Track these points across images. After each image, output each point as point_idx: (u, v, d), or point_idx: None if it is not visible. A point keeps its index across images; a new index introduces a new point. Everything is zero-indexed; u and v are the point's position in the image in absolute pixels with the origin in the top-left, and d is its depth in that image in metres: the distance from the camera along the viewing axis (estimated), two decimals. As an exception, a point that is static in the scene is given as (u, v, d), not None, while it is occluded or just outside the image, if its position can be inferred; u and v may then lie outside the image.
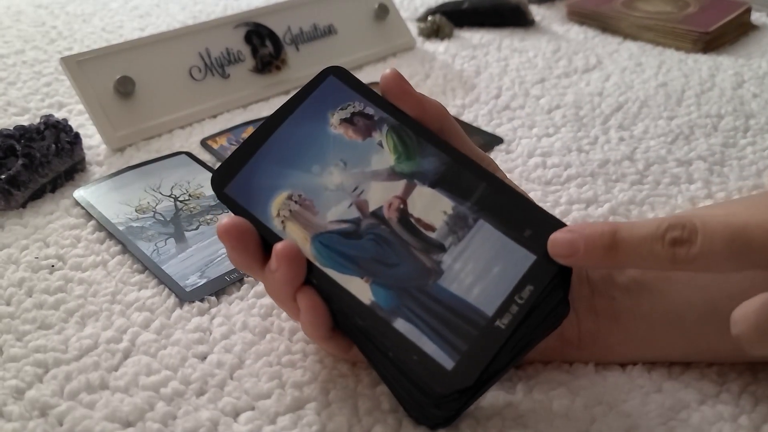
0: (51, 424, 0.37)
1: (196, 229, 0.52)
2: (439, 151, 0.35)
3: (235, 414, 0.38)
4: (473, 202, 0.34)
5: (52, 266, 0.49)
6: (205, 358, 0.42)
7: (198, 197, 0.56)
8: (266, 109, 0.69)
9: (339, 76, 0.38)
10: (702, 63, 0.78)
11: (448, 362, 0.31)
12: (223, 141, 0.63)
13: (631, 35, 0.86)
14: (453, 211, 0.34)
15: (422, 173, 0.35)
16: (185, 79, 0.68)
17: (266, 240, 0.34)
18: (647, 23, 0.85)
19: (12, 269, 0.48)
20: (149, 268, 0.48)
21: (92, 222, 0.53)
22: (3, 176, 0.54)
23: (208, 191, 0.56)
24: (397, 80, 0.37)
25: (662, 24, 0.84)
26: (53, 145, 0.57)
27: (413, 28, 0.88)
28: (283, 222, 0.34)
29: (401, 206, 0.34)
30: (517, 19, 0.90)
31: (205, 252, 0.50)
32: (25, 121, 0.67)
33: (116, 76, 0.64)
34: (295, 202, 0.35)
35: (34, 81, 0.76)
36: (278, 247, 0.34)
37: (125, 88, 0.64)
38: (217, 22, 0.72)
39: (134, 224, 0.52)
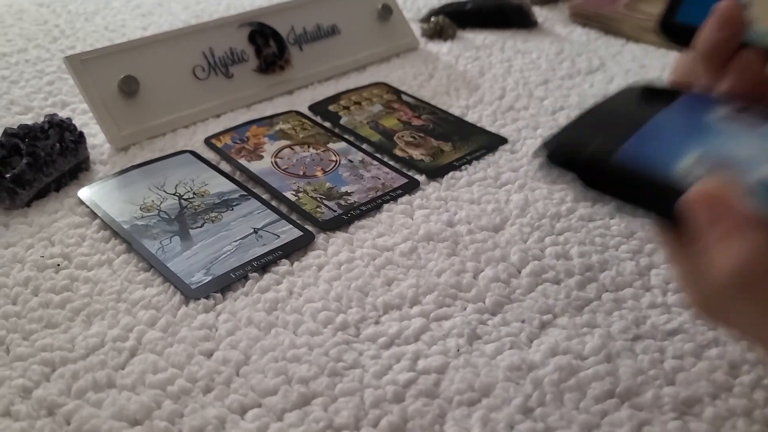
0: (58, 423, 0.37)
1: (201, 226, 0.52)
2: None
3: (242, 411, 0.38)
4: None
5: (58, 265, 0.49)
6: (211, 355, 0.42)
7: (202, 195, 0.56)
8: (270, 108, 0.69)
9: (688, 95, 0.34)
10: (705, 64, 0.78)
11: None
12: (227, 139, 0.63)
13: (634, 37, 0.86)
14: None
15: None
16: (189, 78, 0.68)
17: (671, 199, 0.28)
18: (650, 25, 0.85)
19: (18, 268, 0.48)
20: (154, 266, 0.48)
21: (97, 221, 0.53)
22: (8, 175, 0.54)
23: (212, 189, 0.56)
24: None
25: (665, 25, 0.84)
26: (58, 144, 0.57)
27: (416, 28, 0.88)
28: (699, 178, 0.28)
29: None
30: (520, 20, 0.90)
31: (210, 249, 0.50)
32: (28, 119, 0.67)
33: (120, 75, 0.64)
34: (711, 161, 0.28)
35: (37, 80, 0.76)
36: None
37: (129, 87, 0.64)
38: (221, 22, 0.72)
39: (139, 223, 0.52)
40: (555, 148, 0.31)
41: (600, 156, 0.30)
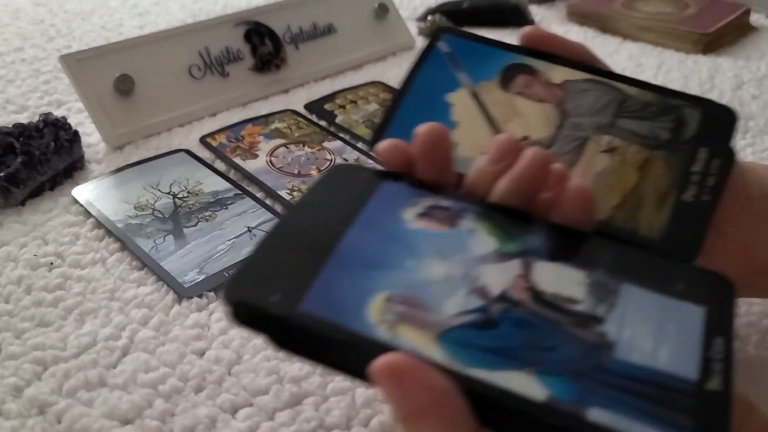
0: (50, 422, 0.37)
1: (195, 225, 0.52)
2: (543, 225, 0.31)
3: (234, 410, 0.38)
4: (605, 268, 0.29)
5: (51, 264, 0.49)
6: (204, 354, 0.42)
7: (197, 194, 0.56)
8: (265, 107, 0.69)
9: (393, 177, 0.33)
10: (701, 64, 0.78)
11: None
12: (222, 138, 0.63)
13: (631, 36, 0.86)
14: (589, 279, 0.29)
15: (534, 249, 0.30)
16: (185, 77, 0.68)
17: (367, 359, 0.25)
18: (647, 24, 0.85)
19: (11, 267, 0.48)
20: (148, 264, 0.48)
21: (91, 219, 0.53)
22: (2, 174, 0.54)
23: (207, 188, 0.56)
24: (540, 31, 0.40)
25: (662, 25, 0.84)
26: (52, 143, 0.57)
27: (413, 27, 0.88)
28: (391, 328, 0.26)
29: (528, 285, 0.29)
30: (516, 19, 0.90)
31: (204, 248, 0.50)
32: (24, 119, 0.67)
33: (116, 74, 0.64)
34: (399, 302, 0.27)
35: (33, 79, 0.76)
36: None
37: (125, 86, 0.64)
38: (217, 21, 0.72)
39: (133, 221, 0.52)
40: (235, 301, 0.26)
41: (283, 310, 0.26)
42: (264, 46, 0.73)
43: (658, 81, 0.74)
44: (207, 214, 0.54)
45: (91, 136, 0.64)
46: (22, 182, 0.54)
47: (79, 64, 0.63)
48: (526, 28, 0.41)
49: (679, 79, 0.75)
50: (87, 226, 0.53)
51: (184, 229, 0.52)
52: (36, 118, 0.60)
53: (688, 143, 0.37)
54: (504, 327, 0.27)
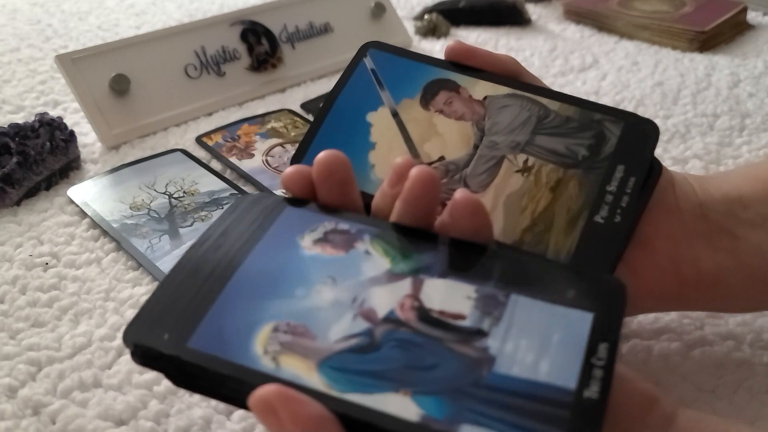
0: (44, 423, 0.37)
1: (191, 225, 0.52)
2: (441, 242, 0.31)
3: (228, 412, 0.38)
4: (495, 280, 0.30)
5: (46, 264, 0.49)
6: (199, 355, 0.41)
7: (192, 194, 0.56)
8: (262, 106, 0.69)
9: (296, 204, 0.34)
10: (698, 62, 0.78)
11: None
12: (218, 138, 0.63)
13: (628, 34, 0.86)
14: (477, 293, 0.29)
15: (426, 267, 0.30)
16: (181, 77, 0.68)
17: (252, 391, 0.26)
18: (643, 22, 0.85)
19: (6, 267, 0.48)
20: (143, 265, 0.48)
21: (87, 219, 0.53)
22: (-3, 174, 0.54)
23: (202, 188, 0.56)
24: (462, 46, 0.41)
25: (658, 23, 0.84)
26: (48, 143, 0.57)
27: (410, 26, 0.88)
28: (274, 359, 0.27)
29: (416, 303, 0.29)
30: (513, 17, 0.90)
31: (200, 250, 0.50)
32: (19, 119, 0.67)
33: (111, 74, 0.64)
34: (284, 332, 0.28)
35: (29, 79, 0.76)
36: None
37: (120, 86, 0.64)
38: (213, 20, 0.72)
39: (129, 221, 0.52)
40: (132, 342, 0.27)
41: (171, 348, 0.27)
42: (260, 46, 0.73)
43: (655, 79, 0.74)
44: (203, 214, 0.54)
45: (86, 136, 0.64)
46: (17, 182, 0.54)
47: (74, 64, 0.63)
48: (450, 43, 0.41)
49: (676, 78, 0.75)
50: (82, 226, 0.53)
51: (179, 229, 0.52)
52: (32, 118, 0.60)
53: (605, 161, 0.36)
54: (386, 349, 0.27)
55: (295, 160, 0.39)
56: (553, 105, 0.39)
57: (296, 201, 0.33)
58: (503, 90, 0.40)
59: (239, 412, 0.38)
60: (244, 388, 0.26)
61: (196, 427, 0.37)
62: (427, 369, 0.27)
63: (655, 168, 0.37)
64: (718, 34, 0.83)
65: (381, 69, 0.42)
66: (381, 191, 0.33)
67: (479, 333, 0.28)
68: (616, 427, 0.27)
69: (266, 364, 0.27)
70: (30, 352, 0.41)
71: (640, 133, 0.37)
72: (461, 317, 0.28)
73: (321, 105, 0.41)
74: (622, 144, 0.37)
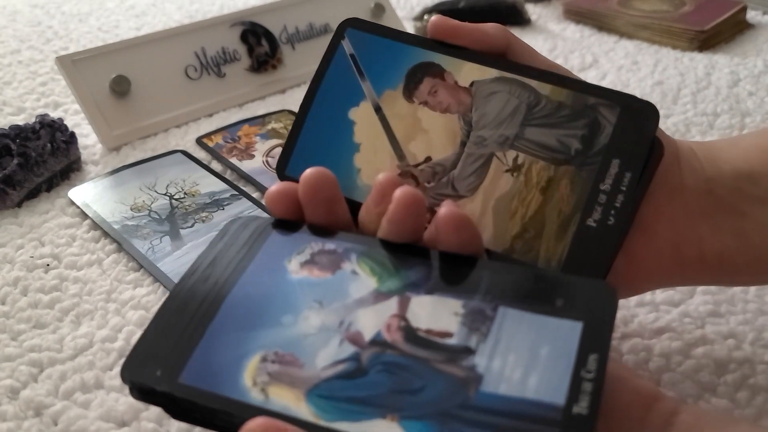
0: (46, 424, 0.38)
1: (192, 226, 0.52)
2: (429, 256, 0.31)
3: (230, 412, 0.38)
4: (483, 293, 0.29)
5: (48, 265, 0.49)
6: (200, 356, 0.41)
7: (193, 195, 0.56)
8: (262, 107, 0.69)
9: (283, 226, 0.33)
10: (698, 61, 0.78)
11: None
12: (218, 139, 0.63)
13: (627, 34, 0.86)
14: (464, 308, 0.29)
15: (413, 284, 0.30)
16: (181, 78, 0.68)
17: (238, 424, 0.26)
18: (643, 22, 0.85)
19: (7, 268, 0.48)
20: (144, 266, 0.48)
21: (87, 221, 0.53)
22: (-2, 175, 0.54)
23: (203, 189, 0.56)
24: (445, 23, 0.37)
25: (658, 23, 0.84)
26: (49, 145, 0.57)
27: (410, 27, 0.88)
28: (263, 390, 0.27)
29: (402, 323, 0.29)
30: (513, 18, 0.90)
31: (201, 249, 0.49)
32: (20, 120, 0.67)
33: (112, 76, 0.64)
34: (273, 361, 0.28)
35: (30, 81, 0.76)
36: None
37: (121, 87, 0.64)
38: (213, 21, 0.72)
39: (129, 223, 0.52)
40: (129, 380, 0.28)
41: (163, 384, 0.27)
42: (260, 47, 0.73)
43: (655, 79, 0.74)
44: (203, 215, 0.54)
45: (87, 138, 0.64)
46: (18, 184, 0.55)
47: (74, 66, 0.63)
48: (433, 18, 0.38)
49: (676, 77, 0.75)
50: (83, 227, 0.53)
51: (180, 230, 0.52)
52: (33, 120, 0.60)
53: (599, 155, 0.34)
54: (373, 374, 0.27)
55: (279, 167, 0.38)
56: (544, 89, 0.36)
57: (283, 223, 0.33)
58: (491, 73, 0.37)
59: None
60: (235, 421, 0.26)
61: (198, 428, 0.37)
62: (414, 393, 0.27)
63: (656, 149, 0.34)
64: (718, 34, 0.83)
65: (361, 53, 0.39)
66: (366, 207, 0.33)
67: (466, 350, 0.28)
68: (617, 428, 0.27)
69: (255, 396, 0.27)
70: (32, 354, 0.41)
71: (637, 118, 0.34)
72: (448, 335, 0.28)
73: (302, 100, 0.38)
74: (617, 133, 0.34)
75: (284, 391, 0.27)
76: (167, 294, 0.31)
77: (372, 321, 0.29)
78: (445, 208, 0.30)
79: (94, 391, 0.39)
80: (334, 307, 0.30)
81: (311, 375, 0.27)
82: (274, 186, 0.33)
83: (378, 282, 0.30)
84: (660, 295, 0.45)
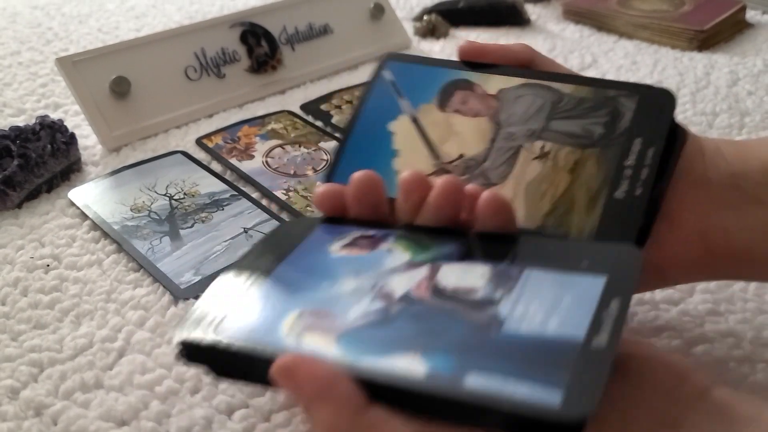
0: (46, 424, 0.38)
1: (191, 227, 0.52)
2: (462, 235, 0.33)
3: (230, 412, 0.38)
4: (511, 260, 0.31)
5: (48, 266, 0.49)
6: (200, 356, 0.42)
7: (193, 195, 0.56)
8: (262, 108, 0.69)
9: (329, 221, 0.36)
10: (697, 61, 0.78)
11: (553, 398, 0.24)
12: (218, 140, 0.63)
13: (627, 34, 0.86)
14: (492, 272, 0.30)
15: (445, 255, 0.32)
16: (181, 79, 0.68)
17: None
18: (642, 22, 0.85)
19: (7, 269, 0.49)
20: (144, 266, 0.48)
21: (87, 222, 0.53)
22: (-2, 176, 0.54)
23: (203, 189, 0.57)
24: (473, 45, 0.42)
25: (657, 22, 0.84)
26: (49, 146, 0.57)
27: (409, 27, 0.88)
28: (298, 336, 0.29)
29: (432, 283, 0.30)
30: (512, 18, 0.90)
31: (200, 250, 0.50)
32: (20, 122, 0.67)
33: (112, 77, 0.64)
34: (309, 315, 0.30)
35: (30, 82, 0.76)
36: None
37: (121, 88, 0.64)
38: (213, 22, 0.72)
39: (129, 223, 0.52)
40: (179, 341, 0.30)
41: (211, 340, 0.30)
42: (260, 47, 0.73)
43: (654, 78, 0.74)
44: (203, 215, 0.54)
45: (87, 139, 0.64)
46: (18, 185, 0.55)
47: (74, 67, 0.63)
48: (462, 43, 0.42)
49: (675, 77, 0.75)
50: (83, 228, 0.53)
51: (180, 230, 0.52)
52: (33, 121, 0.60)
53: (621, 136, 0.36)
54: (400, 321, 0.29)
55: (327, 179, 0.41)
56: (566, 89, 0.39)
57: (330, 219, 0.36)
58: (516, 81, 0.40)
59: (240, 412, 0.38)
60: (269, 365, 0.28)
61: (198, 427, 0.37)
62: (437, 333, 0.28)
63: (678, 136, 0.36)
64: (717, 33, 0.83)
65: (399, 79, 0.43)
66: (398, 204, 0.35)
67: (491, 302, 0.29)
68: (647, 400, 0.27)
69: (290, 343, 0.29)
70: (32, 354, 0.42)
71: (655, 103, 0.37)
72: (474, 291, 0.30)
73: (347, 121, 0.43)
74: (637, 117, 0.37)
75: (316, 338, 0.29)
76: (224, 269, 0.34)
77: (403, 283, 0.31)
78: (486, 192, 0.32)
79: (94, 391, 0.39)
80: (368, 275, 0.32)
81: (342, 324, 0.29)
82: (322, 186, 0.36)
83: (412, 255, 0.32)
84: (659, 293, 0.45)
